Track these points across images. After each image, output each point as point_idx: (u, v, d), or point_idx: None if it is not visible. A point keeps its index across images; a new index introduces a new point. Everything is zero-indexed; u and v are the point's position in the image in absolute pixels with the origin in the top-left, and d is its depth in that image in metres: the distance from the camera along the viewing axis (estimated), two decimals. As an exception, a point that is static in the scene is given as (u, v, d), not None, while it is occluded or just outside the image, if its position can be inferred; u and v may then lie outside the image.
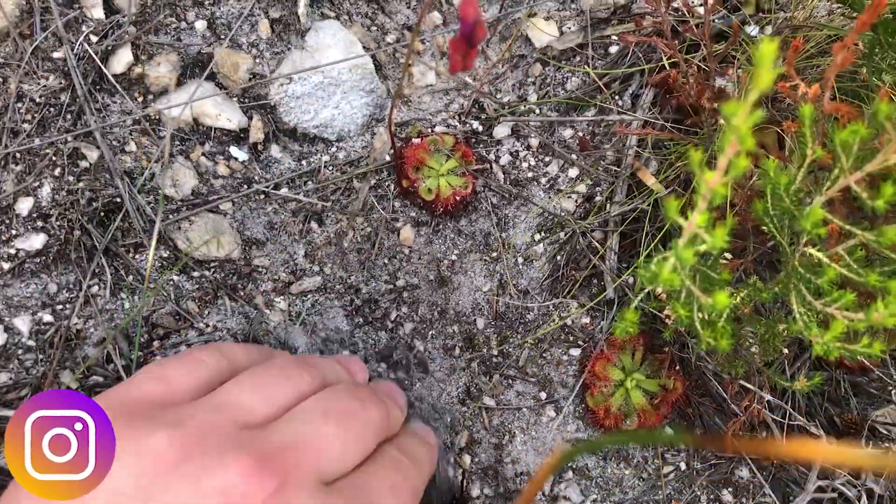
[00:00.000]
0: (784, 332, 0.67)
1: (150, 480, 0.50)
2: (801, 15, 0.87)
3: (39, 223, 0.74)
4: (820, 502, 0.77)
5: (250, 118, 0.83)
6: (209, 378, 0.59)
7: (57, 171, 0.76)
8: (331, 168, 0.85)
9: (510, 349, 0.83)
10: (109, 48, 0.80)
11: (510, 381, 0.83)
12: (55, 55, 0.78)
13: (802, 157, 0.54)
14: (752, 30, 0.91)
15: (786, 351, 0.74)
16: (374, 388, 0.67)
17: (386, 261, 0.84)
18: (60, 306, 0.73)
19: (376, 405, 0.60)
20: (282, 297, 0.80)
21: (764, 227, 0.60)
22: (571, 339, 0.84)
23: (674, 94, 0.82)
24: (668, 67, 0.85)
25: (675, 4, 0.93)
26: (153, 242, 0.74)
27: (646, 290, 0.65)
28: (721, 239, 0.40)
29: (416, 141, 0.85)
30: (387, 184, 0.86)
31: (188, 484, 0.50)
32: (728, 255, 0.73)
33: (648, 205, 0.83)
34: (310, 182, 0.84)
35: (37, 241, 0.73)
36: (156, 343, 0.75)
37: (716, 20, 0.90)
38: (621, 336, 0.57)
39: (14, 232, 0.73)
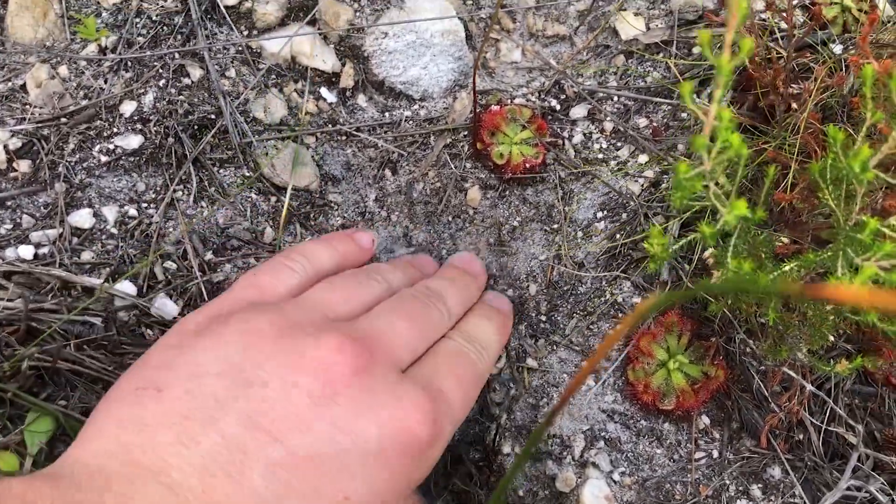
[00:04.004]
0: (831, 314, 0.72)
1: (254, 355, 0.59)
2: (888, 36, 0.93)
3: (139, 126, 0.83)
4: (852, 501, 0.81)
5: (343, 64, 0.92)
6: (297, 284, 0.72)
7: (161, 83, 0.85)
8: (411, 123, 0.93)
9: (559, 318, 0.89)
10: (225, -19, 0.90)
11: (554, 347, 0.88)
12: (175, -19, 0.89)
13: (862, 121, 0.60)
14: (836, 48, 0.97)
15: (832, 338, 0.78)
16: (450, 263, 0.85)
17: (450, 218, 0.92)
18: (146, 204, 0.82)
19: (435, 304, 0.72)
20: (348, 232, 0.88)
21: (820, 195, 0.65)
22: (621, 315, 0.89)
23: (751, 90, 0.89)
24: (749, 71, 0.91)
25: (762, 15, 1.00)
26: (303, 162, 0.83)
27: (685, 241, 0.70)
28: (727, 118, 0.47)
29: (494, 108, 0.93)
30: (461, 144, 0.93)
31: (287, 354, 0.61)
32: (784, 239, 0.78)
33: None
34: (389, 133, 0.92)
35: (134, 141, 0.83)
36: (230, 252, 0.83)
37: (800, 33, 0.97)
38: (654, 267, 0.64)
39: (115, 130, 0.83)
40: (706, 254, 0.79)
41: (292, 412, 0.57)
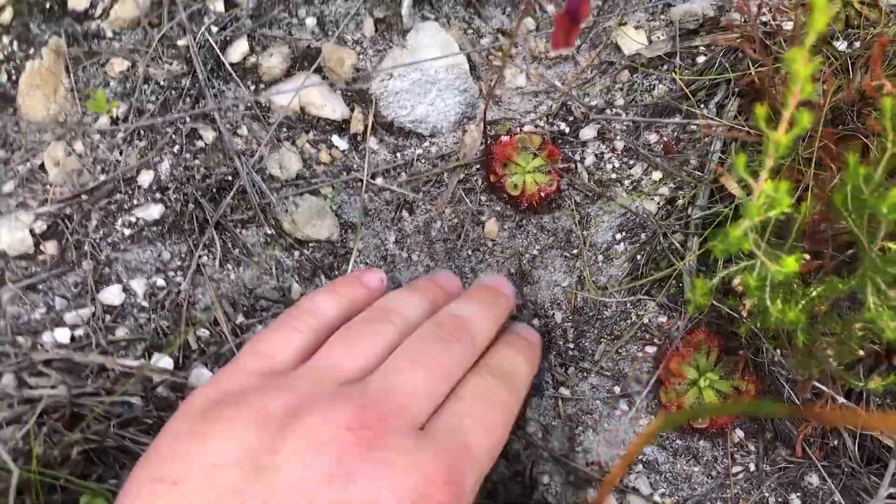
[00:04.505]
0: (860, 330, 0.72)
1: (268, 440, 0.59)
2: (892, 30, 0.93)
3: (158, 195, 0.84)
4: (890, 507, 0.82)
5: (352, 110, 0.92)
6: (304, 345, 0.71)
7: (176, 149, 0.86)
8: (423, 161, 0.94)
9: (586, 343, 0.90)
10: (227, 38, 0.90)
11: (585, 374, 0.89)
12: (179, 43, 0.89)
13: (882, 150, 0.60)
14: (840, 45, 0.97)
15: (861, 353, 0.79)
16: (480, 282, 0.84)
17: (470, 252, 0.92)
18: (172, 273, 0.83)
19: (459, 339, 0.70)
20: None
21: (842, 223, 0.66)
22: (648, 336, 0.90)
23: (759, 100, 0.89)
24: (755, 79, 0.91)
25: (763, 18, 1.00)
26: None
27: (718, 277, 0.71)
28: (785, 195, 0.47)
29: (504, 138, 0.94)
30: (475, 178, 0.94)
31: (299, 439, 0.59)
32: (807, 256, 0.79)
33: (730, 210, 0.89)
34: (403, 174, 0.93)
35: (155, 211, 0.84)
36: (259, 312, 0.84)
37: (803, 34, 0.96)
38: (693, 311, 0.64)
39: (135, 202, 0.84)
40: (735, 282, 0.79)
41: (308, 496, 0.56)
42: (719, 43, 0.86)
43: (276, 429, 0.60)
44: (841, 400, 0.81)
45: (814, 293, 0.69)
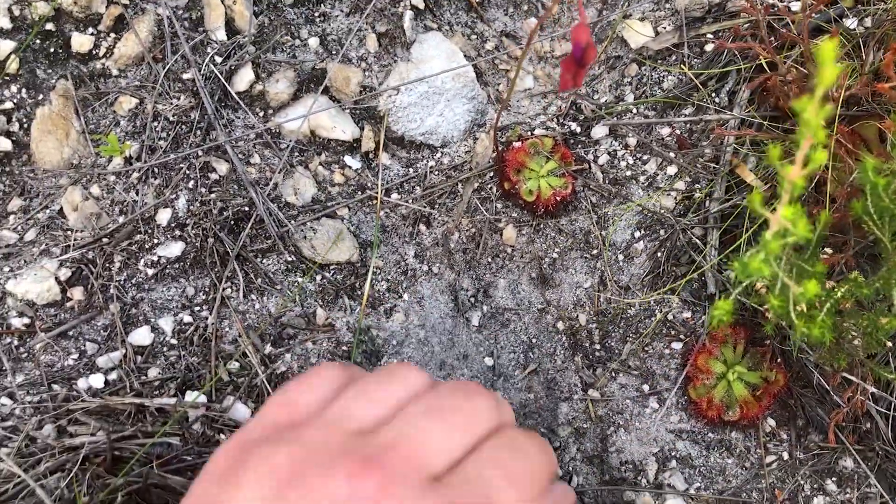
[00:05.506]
0: (887, 325, 0.72)
1: (272, 494, 0.57)
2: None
3: (177, 232, 0.85)
4: (926, 491, 0.82)
5: (362, 129, 0.92)
6: (330, 393, 0.67)
7: (191, 184, 0.86)
8: (436, 173, 0.94)
9: (612, 343, 0.91)
10: (232, 68, 0.90)
11: (613, 375, 0.90)
12: (185, 76, 0.89)
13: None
14: (850, 22, 0.95)
15: (889, 344, 0.78)
16: None
17: (490, 259, 0.93)
18: (198, 308, 0.84)
19: (483, 396, 0.62)
20: (395, 295, 0.90)
21: (864, 225, 0.65)
22: (673, 332, 0.90)
23: (771, 94, 0.88)
24: (765, 67, 0.90)
25: (770, 0, 0.98)
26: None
27: (743, 284, 0.70)
28: (804, 229, 0.47)
29: (516, 144, 0.93)
30: (489, 186, 0.94)
31: (301, 496, 0.57)
32: (828, 251, 0.78)
33: (748, 201, 0.89)
34: (417, 188, 0.93)
35: (175, 249, 0.84)
36: (287, 341, 0.85)
37: (813, 15, 0.95)
38: (717, 327, 0.64)
39: (156, 241, 0.85)
40: (758, 285, 0.79)
41: None
42: (728, 47, 0.85)
43: (280, 486, 0.57)
44: (871, 389, 0.81)
45: (839, 293, 0.68)
